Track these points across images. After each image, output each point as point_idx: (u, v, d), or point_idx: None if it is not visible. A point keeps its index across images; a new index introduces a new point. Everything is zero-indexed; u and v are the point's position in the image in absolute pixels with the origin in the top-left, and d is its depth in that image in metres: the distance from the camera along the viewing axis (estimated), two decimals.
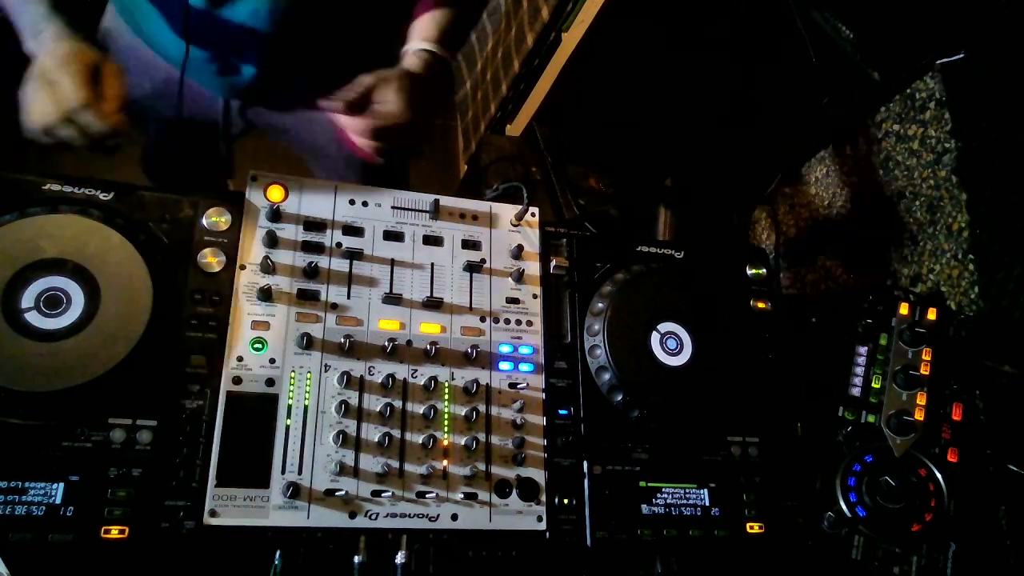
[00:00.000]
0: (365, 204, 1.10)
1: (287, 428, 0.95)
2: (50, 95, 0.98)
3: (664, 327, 1.13)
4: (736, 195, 2.39)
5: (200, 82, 1.36)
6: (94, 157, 1.04)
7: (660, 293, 1.16)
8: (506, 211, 1.16)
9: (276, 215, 1.05)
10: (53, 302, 0.90)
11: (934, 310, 1.26)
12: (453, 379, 1.04)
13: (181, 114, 1.34)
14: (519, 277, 1.12)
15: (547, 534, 1.00)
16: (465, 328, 1.08)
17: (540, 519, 1.01)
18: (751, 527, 1.08)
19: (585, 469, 1.05)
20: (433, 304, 1.07)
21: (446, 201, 1.13)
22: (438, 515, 0.97)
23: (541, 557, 1.00)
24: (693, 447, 1.11)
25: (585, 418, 1.08)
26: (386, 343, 1.02)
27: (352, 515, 0.94)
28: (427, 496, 0.97)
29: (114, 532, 0.85)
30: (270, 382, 0.97)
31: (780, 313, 1.25)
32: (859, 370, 1.22)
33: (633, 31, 2.06)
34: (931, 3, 1.70)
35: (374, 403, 0.99)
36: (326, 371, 0.99)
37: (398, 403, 1.00)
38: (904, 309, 1.26)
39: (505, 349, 1.08)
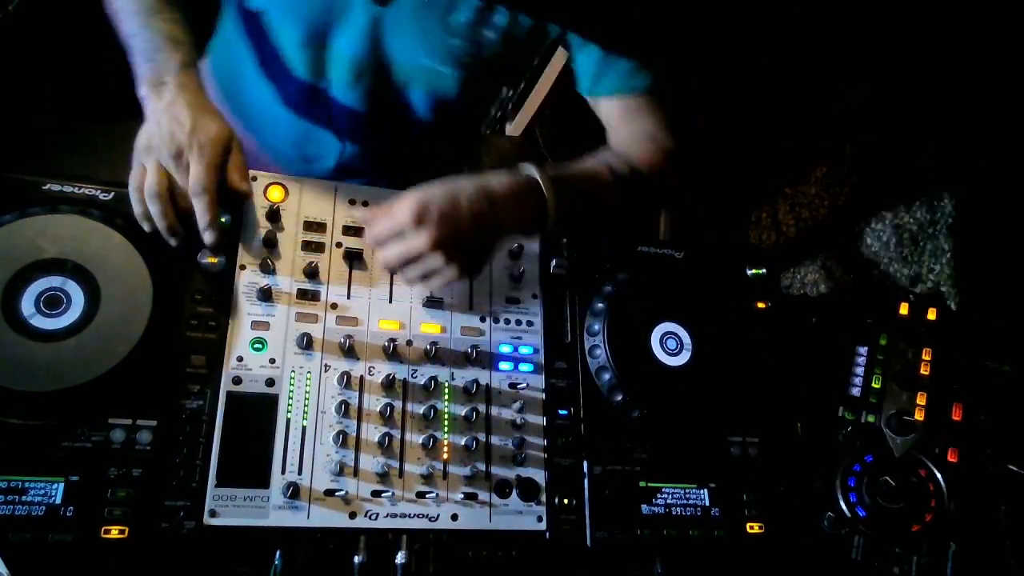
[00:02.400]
0: (365, 204, 1.10)
1: (287, 428, 0.95)
2: (178, 172, 0.94)
3: (664, 327, 1.13)
4: (736, 195, 2.39)
5: (276, 145, 1.30)
6: (96, 157, 1.03)
7: (660, 293, 1.16)
8: None
9: (276, 215, 1.05)
10: (53, 302, 0.90)
11: (934, 310, 1.26)
12: (453, 379, 1.04)
13: None
14: (519, 277, 1.12)
15: (547, 534, 1.00)
16: (465, 328, 1.08)
17: (540, 519, 1.01)
18: (751, 527, 1.08)
19: (585, 469, 1.05)
20: (433, 304, 1.07)
21: None
22: (438, 515, 0.97)
23: (541, 557, 1.00)
24: (693, 447, 1.11)
25: (585, 418, 1.08)
26: (386, 343, 1.02)
27: (352, 515, 0.94)
28: (427, 496, 0.97)
29: (114, 532, 0.85)
30: (270, 382, 0.97)
31: (780, 313, 1.25)
32: (859, 370, 1.22)
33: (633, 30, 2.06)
34: None
35: (374, 403, 0.99)
36: (326, 371, 0.99)
37: (398, 403, 1.00)
38: (904, 309, 1.26)
39: (505, 349, 1.08)
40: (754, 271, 1.26)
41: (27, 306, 0.89)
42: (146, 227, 0.97)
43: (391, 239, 0.96)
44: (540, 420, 1.05)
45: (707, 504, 1.08)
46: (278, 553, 0.90)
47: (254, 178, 1.06)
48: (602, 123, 1.25)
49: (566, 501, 1.02)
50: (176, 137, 0.94)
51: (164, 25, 1.03)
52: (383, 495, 0.95)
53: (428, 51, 1.13)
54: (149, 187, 0.94)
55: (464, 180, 0.96)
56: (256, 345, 0.98)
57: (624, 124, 1.20)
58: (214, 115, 0.99)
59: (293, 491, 0.91)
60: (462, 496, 0.98)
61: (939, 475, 1.16)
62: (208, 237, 0.97)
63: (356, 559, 0.91)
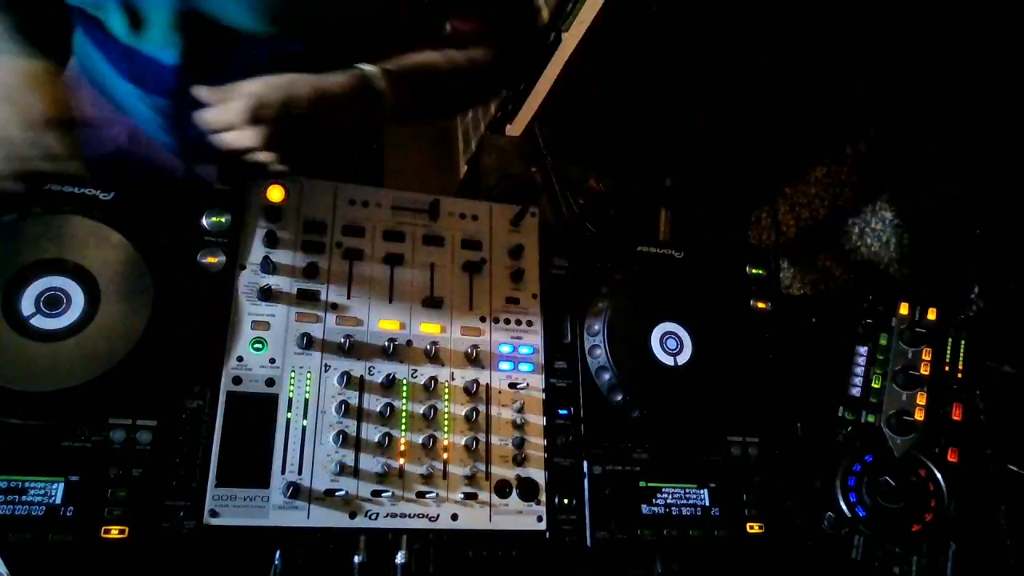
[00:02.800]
0: (365, 204, 1.10)
1: (287, 428, 0.95)
2: (15, 113, 0.93)
3: (664, 327, 1.13)
4: (736, 195, 2.39)
5: (157, 138, 1.25)
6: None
7: (660, 293, 1.16)
8: (506, 211, 1.16)
9: (276, 215, 1.05)
10: (53, 302, 0.90)
11: (934, 310, 1.26)
12: (453, 379, 1.04)
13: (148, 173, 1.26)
14: (519, 277, 1.12)
15: (547, 534, 1.00)
16: (465, 328, 1.08)
17: (540, 519, 1.01)
18: (751, 527, 1.08)
19: (585, 469, 1.05)
20: (433, 304, 1.07)
21: (446, 201, 1.13)
22: (438, 515, 0.97)
23: (541, 557, 1.00)
24: (693, 447, 1.11)
25: (585, 418, 1.08)
26: (386, 343, 1.02)
27: (352, 515, 0.94)
28: (427, 496, 0.97)
29: (114, 532, 0.85)
30: (270, 382, 0.97)
31: (780, 313, 1.25)
32: (859, 370, 1.22)
33: (633, 31, 2.06)
34: None
35: (374, 403, 0.99)
36: (326, 371, 0.99)
37: (398, 403, 1.00)
38: (904, 309, 1.26)
39: (505, 349, 1.08)
40: (754, 271, 1.26)
41: (27, 306, 0.89)
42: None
43: (225, 129, 0.95)
44: (540, 420, 1.05)
45: (707, 504, 1.08)
46: (278, 553, 0.90)
47: (255, 178, 1.06)
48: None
49: (566, 501, 1.02)
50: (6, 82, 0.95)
51: None
52: (383, 495, 0.95)
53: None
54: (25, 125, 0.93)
55: (300, 78, 0.96)
56: (256, 345, 0.98)
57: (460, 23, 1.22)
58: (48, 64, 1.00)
59: (293, 491, 0.91)
60: (462, 496, 0.98)
61: (939, 475, 1.16)
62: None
63: (356, 559, 0.91)
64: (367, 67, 1.02)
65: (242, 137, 0.93)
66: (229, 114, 0.93)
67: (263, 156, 0.96)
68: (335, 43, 1.09)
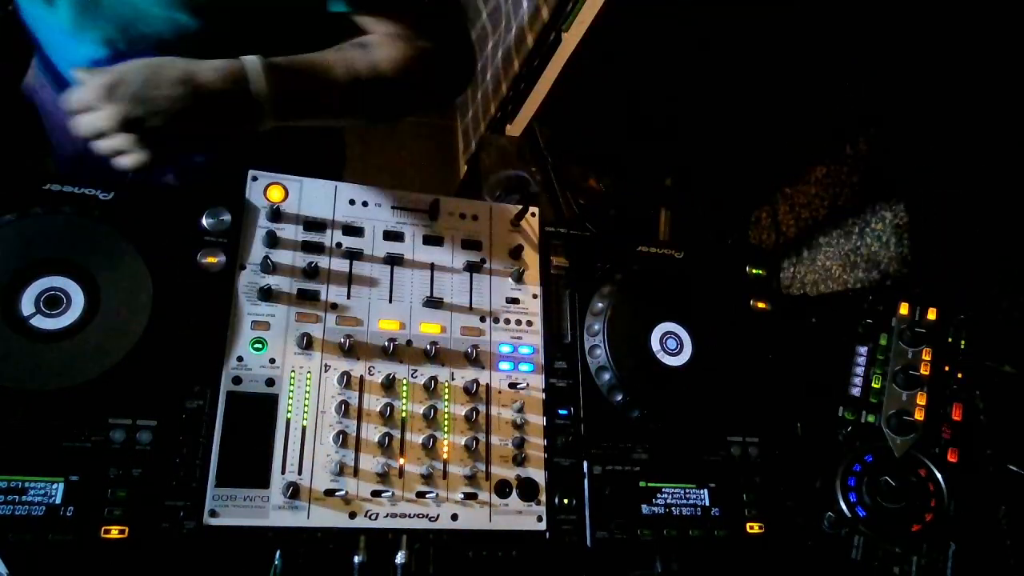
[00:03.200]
0: (365, 204, 1.10)
1: (287, 428, 0.95)
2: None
3: (664, 327, 1.13)
4: (736, 195, 2.39)
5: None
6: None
7: (660, 293, 1.16)
8: (506, 211, 1.16)
9: (276, 215, 1.05)
10: (53, 302, 0.90)
11: (934, 310, 1.26)
12: (453, 379, 1.04)
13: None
14: (519, 277, 1.12)
15: (547, 534, 1.00)
16: (465, 328, 1.08)
17: (540, 519, 1.01)
18: (751, 527, 1.08)
19: (585, 469, 1.05)
20: (433, 304, 1.07)
21: (446, 201, 1.13)
22: (438, 515, 0.97)
23: (541, 557, 1.00)
24: (693, 447, 1.11)
25: (585, 418, 1.08)
26: (386, 343, 1.02)
27: (352, 515, 0.94)
28: (427, 496, 0.97)
29: (114, 532, 0.85)
30: (270, 382, 0.97)
31: (780, 313, 1.25)
32: (859, 370, 1.22)
33: (633, 30, 2.06)
34: None
35: (374, 403, 0.99)
36: (326, 371, 0.99)
37: (398, 403, 1.00)
38: (904, 309, 1.26)
39: (505, 349, 1.08)
40: (754, 271, 1.26)
41: (27, 306, 0.89)
42: None
43: (84, 110, 0.91)
44: (540, 420, 1.05)
45: (707, 504, 1.08)
46: (278, 553, 0.90)
47: (255, 178, 1.06)
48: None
49: (566, 501, 1.02)
50: None
51: None
52: (383, 495, 0.95)
53: None
54: None
55: (171, 62, 0.93)
56: (256, 345, 0.98)
57: (376, 26, 1.11)
58: None
59: (293, 491, 0.91)
60: (462, 496, 0.98)
61: (939, 475, 1.16)
62: None
63: (356, 559, 0.91)
64: (249, 58, 0.97)
65: (99, 119, 0.89)
66: (88, 94, 0.89)
67: (119, 141, 0.91)
68: (231, 24, 1.05)
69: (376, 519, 0.94)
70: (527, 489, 1.01)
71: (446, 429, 1.01)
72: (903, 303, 1.26)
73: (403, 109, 1.19)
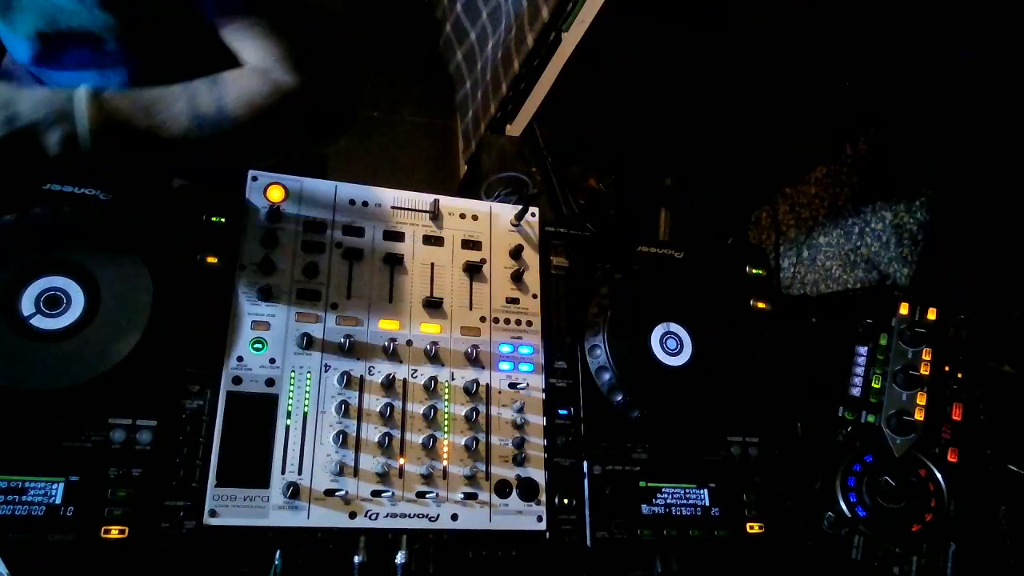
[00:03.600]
0: (365, 204, 1.10)
1: (287, 428, 0.95)
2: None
3: (664, 327, 1.13)
4: (736, 195, 2.39)
5: None
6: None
7: (660, 293, 1.16)
8: (506, 211, 1.16)
9: (276, 215, 1.05)
10: (53, 302, 0.90)
11: (934, 310, 1.26)
12: (453, 379, 1.04)
13: None
14: (519, 277, 1.12)
15: (547, 534, 1.00)
16: (465, 328, 1.08)
17: (540, 519, 1.01)
18: (751, 527, 1.08)
19: (585, 469, 1.05)
20: (433, 304, 1.07)
21: (446, 201, 1.13)
22: (438, 515, 0.97)
23: (541, 557, 1.00)
24: (693, 447, 1.11)
25: (585, 418, 1.08)
26: (386, 343, 1.02)
27: (352, 515, 0.94)
28: (427, 496, 0.97)
29: (114, 532, 0.85)
30: (270, 382, 0.97)
31: (780, 313, 1.25)
32: (859, 370, 1.22)
33: (633, 31, 2.06)
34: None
35: (374, 403, 0.99)
36: (326, 371, 0.99)
37: (398, 403, 1.00)
38: (904, 309, 1.26)
39: (505, 349, 1.08)
40: (754, 271, 1.26)
41: (27, 306, 0.89)
42: None
43: None
44: (540, 420, 1.05)
45: (707, 504, 1.08)
46: (278, 553, 0.90)
47: (254, 178, 1.06)
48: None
49: (566, 501, 1.02)
50: None
51: None
52: (383, 495, 0.95)
53: None
54: None
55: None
56: (256, 345, 0.98)
57: (242, 52, 1.07)
58: None
59: (293, 491, 0.91)
60: (462, 496, 0.98)
61: (939, 475, 1.16)
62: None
63: (356, 559, 0.91)
64: (79, 89, 0.95)
65: None
66: None
67: None
68: (142, 24, 1.05)
69: (376, 519, 0.94)
70: (527, 489, 1.01)
71: (446, 429, 1.01)
72: (903, 303, 1.26)
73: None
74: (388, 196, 1.12)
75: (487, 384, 1.05)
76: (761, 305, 1.23)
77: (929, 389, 1.21)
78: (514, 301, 1.11)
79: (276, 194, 1.06)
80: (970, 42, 1.65)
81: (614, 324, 1.10)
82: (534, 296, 1.13)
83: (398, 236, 1.10)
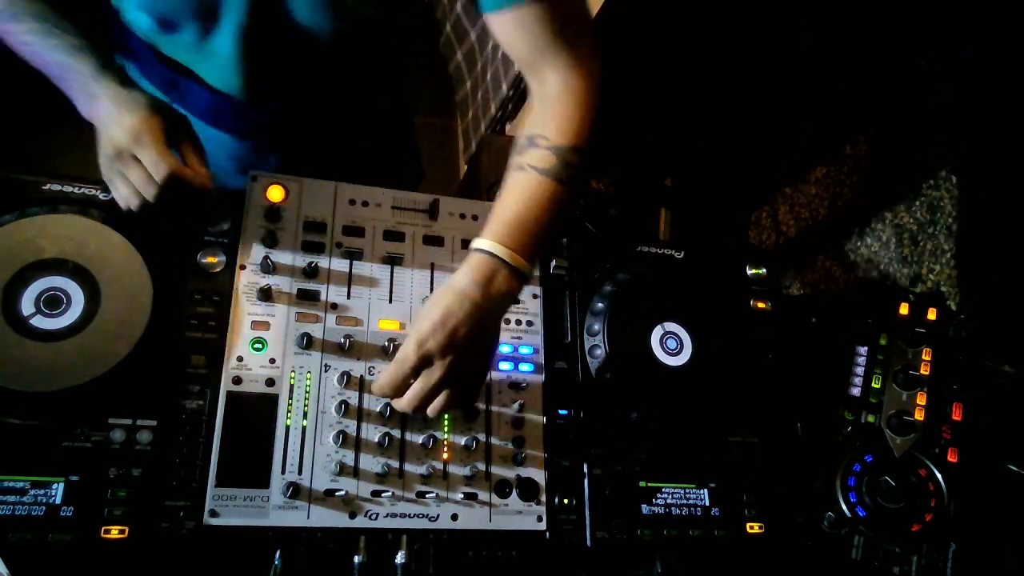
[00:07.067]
0: (365, 204, 1.10)
1: (287, 428, 0.95)
2: (137, 174, 0.92)
3: (664, 327, 1.13)
4: (736, 195, 2.39)
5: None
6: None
7: (660, 293, 1.16)
8: None
9: (276, 215, 1.05)
10: (53, 302, 0.90)
11: (934, 310, 1.26)
12: None
13: None
14: None
15: (547, 534, 1.00)
16: None
17: (540, 519, 1.01)
18: (751, 527, 1.08)
19: (585, 469, 1.05)
20: None
21: (446, 201, 1.13)
22: (438, 515, 0.97)
23: (541, 557, 1.00)
24: (693, 447, 1.11)
25: (585, 418, 1.08)
26: (386, 343, 1.02)
27: (352, 515, 0.94)
28: (427, 496, 0.97)
29: (114, 532, 0.85)
30: (270, 382, 0.97)
31: (780, 313, 1.25)
32: (859, 370, 1.22)
33: (633, 31, 2.06)
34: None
35: (374, 403, 0.99)
36: (326, 371, 0.99)
37: None
38: (904, 309, 1.26)
39: (505, 349, 1.08)
40: (754, 271, 1.26)
41: (27, 306, 0.89)
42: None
43: (401, 385, 0.93)
44: (540, 420, 1.05)
45: (707, 504, 1.08)
46: (278, 553, 0.90)
47: (254, 178, 1.06)
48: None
49: (566, 501, 1.02)
50: (110, 138, 0.93)
51: (63, 40, 0.98)
52: (383, 495, 0.95)
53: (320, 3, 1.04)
54: (150, 183, 0.93)
55: (445, 301, 0.91)
56: (256, 345, 0.98)
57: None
58: (139, 99, 0.95)
59: (293, 491, 0.91)
60: (462, 496, 0.98)
61: (939, 475, 1.16)
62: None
63: (356, 559, 0.91)
64: (483, 245, 0.93)
65: (421, 386, 0.92)
66: (403, 365, 0.91)
67: (442, 394, 0.93)
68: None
69: (376, 519, 0.94)
70: (527, 489, 1.01)
71: (446, 429, 1.01)
72: (903, 303, 1.26)
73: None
74: (388, 196, 1.12)
75: (487, 384, 1.05)
76: (761, 305, 1.23)
77: (929, 389, 1.21)
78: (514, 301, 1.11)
79: (276, 194, 1.06)
80: (971, 41, 1.65)
81: (614, 324, 1.10)
82: (534, 296, 1.13)
83: (398, 236, 1.10)
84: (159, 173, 0.91)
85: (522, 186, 0.97)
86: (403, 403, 0.94)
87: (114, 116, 0.93)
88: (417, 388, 0.92)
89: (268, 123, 1.19)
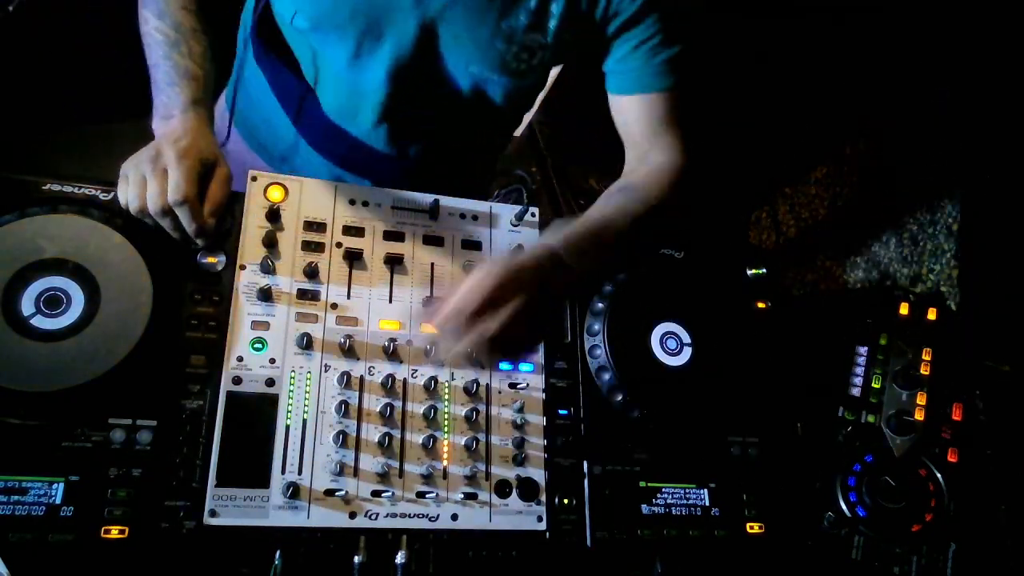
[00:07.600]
0: (365, 204, 1.10)
1: (287, 428, 0.95)
2: (156, 184, 0.94)
3: (664, 327, 1.13)
4: (736, 195, 2.39)
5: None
6: (95, 157, 1.03)
7: (660, 293, 1.16)
8: (506, 211, 1.16)
9: (276, 215, 1.05)
10: (53, 302, 0.90)
11: (934, 310, 1.26)
12: (453, 379, 1.04)
13: None
14: None
15: (547, 534, 1.00)
16: None
17: (540, 519, 1.01)
18: (751, 527, 1.08)
19: (585, 469, 1.05)
20: (433, 304, 1.07)
21: (446, 201, 1.13)
22: (438, 515, 0.97)
23: (541, 557, 1.00)
24: (693, 447, 1.11)
25: (585, 418, 1.08)
26: (386, 343, 1.02)
27: (352, 515, 0.94)
28: (427, 496, 0.97)
29: (114, 532, 0.85)
30: (270, 382, 0.97)
31: (780, 313, 1.25)
32: (859, 370, 1.22)
33: None
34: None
35: (374, 403, 0.99)
36: (326, 371, 0.99)
37: (398, 403, 1.00)
38: (904, 309, 1.26)
39: None
40: (754, 271, 1.26)
41: (27, 306, 0.89)
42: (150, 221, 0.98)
43: (473, 315, 0.86)
44: (540, 420, 1.05)
45: (707, 504, 1.08)
46: (278, 553, 0.90)
47: (254, 178, 1.06)
48: (602, 123, 1.23)
49: (566, 501, 1.02)
50: (158, 145, 0.97)
51: (182, 60, 1.05)
52: (383, 495, 0.95)
53: (480, 58, 1.08)
54: (162, 197, 0.95)
55: (514, 254, 0.94)
56: (256, 345, 0.98)
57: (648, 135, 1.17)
58: (206, 136, 1.01)
59: (293, 491, 0.91)
60: (462, 496, 0.98)
61: (939, 475, 1.16)
62: (200, 243, 0.99)
63: (356, 559, 0.91)
64: (551, 239, 0.96)
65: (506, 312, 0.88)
66: (485, 287, 0.87)
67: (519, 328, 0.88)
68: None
69: (376, 519, 0.94)
70: (527, 489, 1.01)
71: (446, 429, 1.01)
72: (903, 303, 1.26)
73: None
74: (388, 196, 1.12)
75: (487, 384, 1.05)
76: (761, 305, 1.23)
77: (929, 389, 1.21)
78: None
79: (276, 194, 1.06)
80: (970, 41, 1.65)
81: (614, 324, 1.10)
82: None
83: (398, 236, 1.10)
84: (175, 193, 0.94)
85: (610, 217, 1.05)
86: (487, 329, 0.85)
87: (174, 134, 0.99)
88: (503, 315, 0.85)
89: (379, 160, 1.22)
